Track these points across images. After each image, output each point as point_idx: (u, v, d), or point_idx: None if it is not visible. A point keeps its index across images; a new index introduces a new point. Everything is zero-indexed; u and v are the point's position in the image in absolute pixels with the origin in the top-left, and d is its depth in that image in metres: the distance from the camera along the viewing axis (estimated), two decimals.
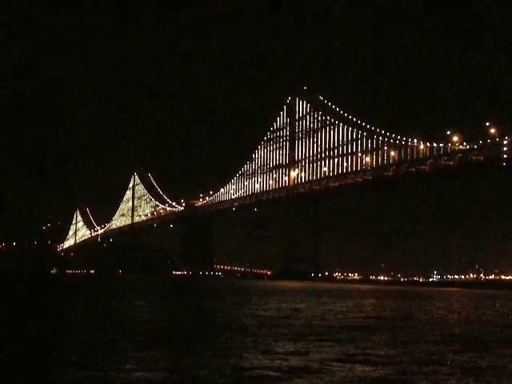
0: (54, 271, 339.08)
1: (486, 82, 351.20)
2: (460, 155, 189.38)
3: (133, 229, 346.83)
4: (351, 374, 20.30)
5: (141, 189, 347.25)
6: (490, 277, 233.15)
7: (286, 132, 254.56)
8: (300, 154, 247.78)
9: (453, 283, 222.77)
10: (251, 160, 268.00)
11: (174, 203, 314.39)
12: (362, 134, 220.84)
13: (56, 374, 19.83)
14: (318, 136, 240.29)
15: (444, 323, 42.63)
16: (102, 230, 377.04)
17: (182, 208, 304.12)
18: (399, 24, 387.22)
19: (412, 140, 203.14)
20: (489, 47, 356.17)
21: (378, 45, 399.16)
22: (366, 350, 25.92)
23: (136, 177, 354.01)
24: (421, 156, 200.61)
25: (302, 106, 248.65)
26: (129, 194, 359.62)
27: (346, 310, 53.12)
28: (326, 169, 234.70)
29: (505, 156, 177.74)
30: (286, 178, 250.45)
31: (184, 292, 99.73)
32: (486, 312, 58.12)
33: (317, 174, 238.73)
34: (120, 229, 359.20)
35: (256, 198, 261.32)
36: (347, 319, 42.85)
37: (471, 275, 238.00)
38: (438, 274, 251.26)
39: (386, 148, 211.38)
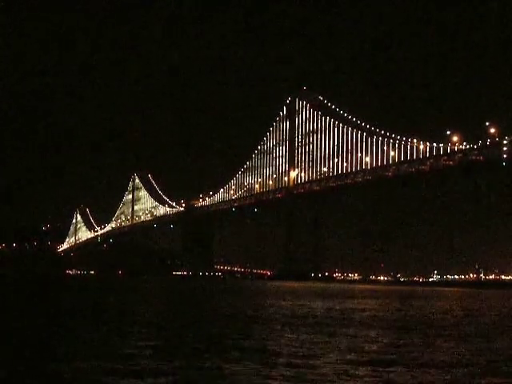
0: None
1: (486, 82, 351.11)
2: (460, 155, 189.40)
3: (133, 229, 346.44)
4: None
5: (141, 189, 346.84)
6: (490, 277, 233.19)
7: (286, 132, 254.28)
8: (300, 154, 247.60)
9: (453, 283, 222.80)
10: (251, 160, 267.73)
11: (174, 204, 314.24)
12: (361, 134, 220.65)
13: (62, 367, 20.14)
14: (317, 136, 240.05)
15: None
16: (102, 231, 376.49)
17: (182, 208, 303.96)
18: (399, 24, 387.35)
19: (412, 140, 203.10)
20: (489, 46, 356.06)
21: (378, 45, 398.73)
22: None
23: (136, 177, 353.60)
24: (421, 156, 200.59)
25: (301, 106, 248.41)
26: (128, 194, 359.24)
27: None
28: (325, 169, 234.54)
29: (505, 156, 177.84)
30: (286, 179, 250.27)
31: (197, 295, 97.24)
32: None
33: (317, 174, 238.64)
34: (120, 229, 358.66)
35: (256, 199, 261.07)
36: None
37: (471, 275, 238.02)
38: (438, 274, 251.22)
39: (385, 148, 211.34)
